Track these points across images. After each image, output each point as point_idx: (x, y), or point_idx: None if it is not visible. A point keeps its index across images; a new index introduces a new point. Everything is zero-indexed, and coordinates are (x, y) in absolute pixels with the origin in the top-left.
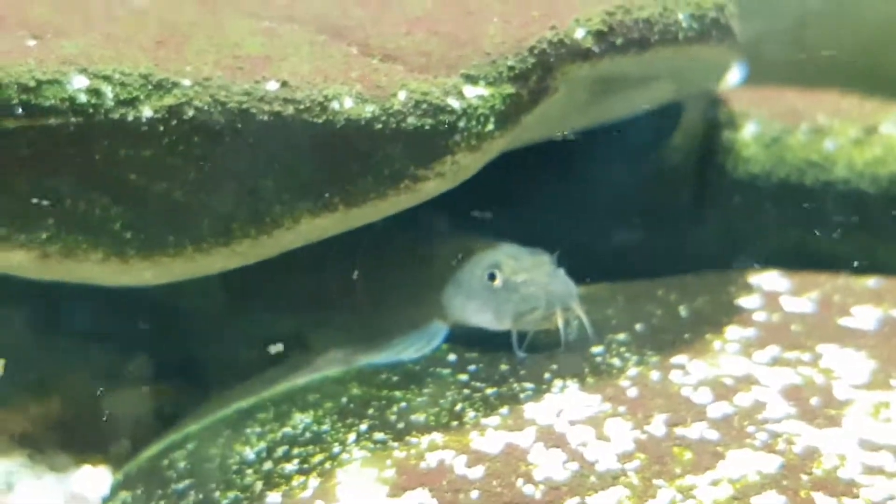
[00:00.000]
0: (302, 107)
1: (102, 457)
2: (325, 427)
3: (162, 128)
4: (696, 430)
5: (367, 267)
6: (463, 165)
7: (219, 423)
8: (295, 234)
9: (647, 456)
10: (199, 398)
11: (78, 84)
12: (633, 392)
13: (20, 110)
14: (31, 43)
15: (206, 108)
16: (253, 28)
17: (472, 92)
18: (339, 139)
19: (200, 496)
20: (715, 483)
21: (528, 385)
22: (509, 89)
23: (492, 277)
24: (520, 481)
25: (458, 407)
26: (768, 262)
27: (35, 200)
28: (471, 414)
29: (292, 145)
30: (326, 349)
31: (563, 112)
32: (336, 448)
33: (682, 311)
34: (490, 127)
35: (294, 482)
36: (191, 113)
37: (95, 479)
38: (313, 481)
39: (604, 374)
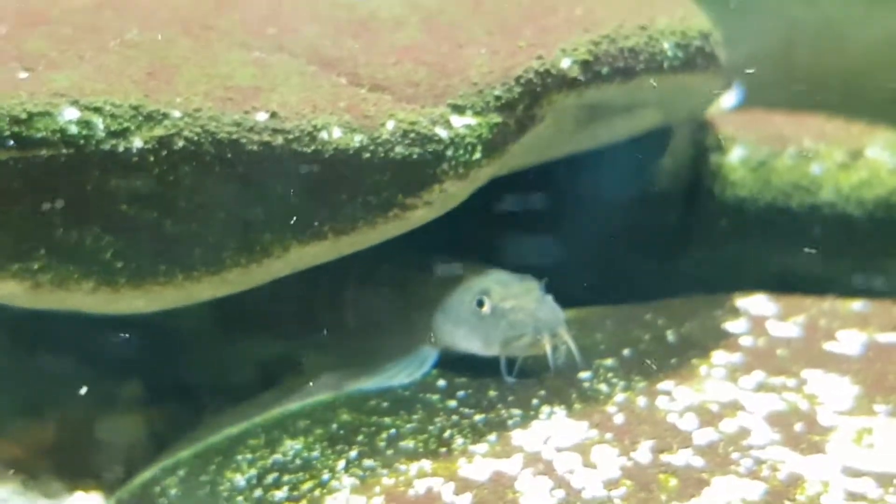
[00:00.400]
0: (291, 137)
1: (95, 483)
2: (315, 454)
3: (152, 158)
4: (681, 457)
5: (359, 292)
6: (451, 193)
7: (210, 450)
8: (284, 263)
9: (634, 483)
10: (192, 422)
11: (69, 116)
12: (619, 418)
13: (11, 142)
14: (23, 75)
15: (195, 138)
16: (243, 59)
17: (460, 121)
18: (327, 168)
19: None
20: None
21: (516, 411)
22: (496, 118)
23: (480, 304)
24: None
25: (447, 434)
26: (756, 285)
27: (27, 231)
28: (459, 441)
29: (282, 175)
30: (318, 374)
31: (550, 139)
32: (325, 475)
33: (670, 335)
34: (477, 155)
35: None
36: (181, 144)
37: None
38: None
39: (591, 401)
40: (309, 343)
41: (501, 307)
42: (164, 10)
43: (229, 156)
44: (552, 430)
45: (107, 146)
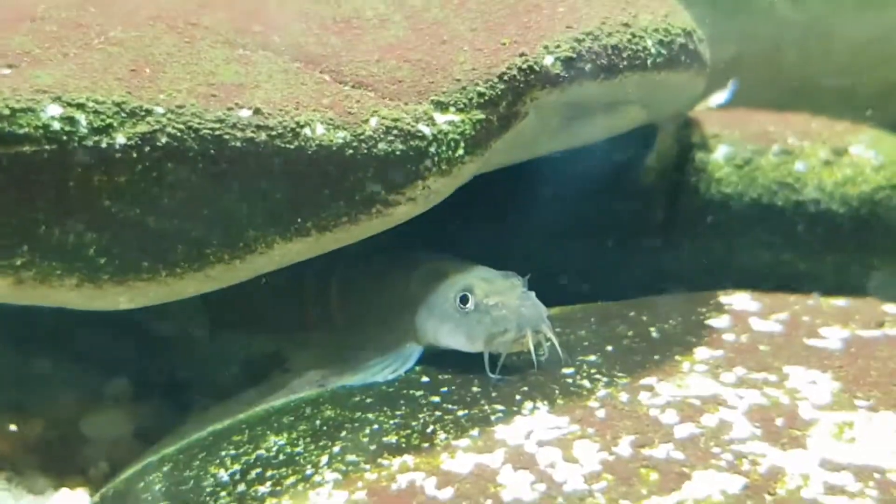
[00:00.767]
0: (274, 133)
1: (81, 479)
2: (298, 449)
3: (135, 155)
4: (662, 451)
5: (343, 288)
6: (434, 190)
7: (194, 445)
8: (268, 259)
9: (614, 477)
10: (178, 418)
11: (52, 112)
12: (601, 413)
13: None
14: (6, 72)
15: (179, 135)
16: (227, 56)
17: (443, 118)
18: (311, 165)
19: None
20: (680, 503)
21: (499, 407)
22: (479, 115)
23: (464, 300)
24: (488, 502)
25: (430, 429)
26: (740, 282)
27: (9, 227)
28: (442, 435)
29: (265, 171)
30: (304, 370)
31: (533, 136)
32: (309, 470)
33: (653, 332)
34: (460, 152)
35: None
36: (164, 140)
37: (74, 501)
38: (286, 503)
39: (573, 396)
40: (294, 339)
41: (485, 304)
42: (148, 7)
43: (212, 152)
44: (534, 424)
45: (90, 142)
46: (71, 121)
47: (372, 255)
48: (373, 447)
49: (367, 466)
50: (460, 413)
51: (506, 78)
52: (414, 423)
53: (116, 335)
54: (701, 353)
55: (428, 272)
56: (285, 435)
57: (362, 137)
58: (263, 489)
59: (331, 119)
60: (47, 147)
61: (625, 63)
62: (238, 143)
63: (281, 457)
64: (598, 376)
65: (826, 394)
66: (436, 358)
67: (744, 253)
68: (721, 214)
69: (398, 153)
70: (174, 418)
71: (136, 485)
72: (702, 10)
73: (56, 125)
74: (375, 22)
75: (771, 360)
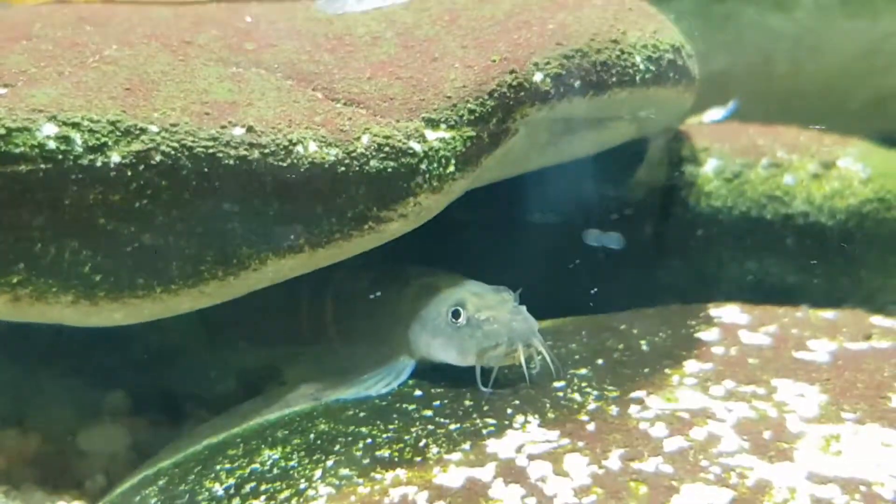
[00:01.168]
0: (267, 151)
1: (78, 492)
2: (292, 463)
3: (130, 173)
4: (651, 465)
5: (337, 303)
6: (425, 206)
7: (190, 459)
8: (261, 275)
9: (604, 490)
10: (175, 432)
11: (47, 131)
12: (591, 427)
13: None
14: (2, 91)
15: (173, 153)
16: (221, 74)
17: (434, 135)
18: (303, 182)
19: None
20: None
21: (491, 420)
22: (470, 132)
23: (456, 315)
24: None
25: (423, 443)
26: (730, 295)
27: (5, 245)
28: (434, 449)
29: (258, 189)
30: (298, 384)
31: (524, 152)
32: (302, 484)
33: (643, 345)
34: (451, 169)
35: None
36: (158, 158)
37: None
38: None
39: (564, 410)
40: (289, 353)
41: (477, 318)
42: (143, 26)
43: (206, 170)
44: (526, 438)
45: (85, 161)
46: (66, 140)
47: (365, 269)
48: (366, 461)
49: (360, 480)
50: (452, 427)
51: (496, 95)
52: (407, 437)
53: (113, 349)
54: (690, 366)
55: (420, 287)
56: (280, 449)
57: (354, 155)
58: (258, 503)
59: (323, 137)
60: (43, 166)
61: (613, 79)
62: (231, 161)
63: (275, 471)
64: (588, 390)
65: (814, 406)
66: (429, 372)
67: (733, 265)
68: (711, 228)
69: (389, 170)
70: (170, 432)
71: (132, 498)
72: (692, 23)
73: (52, 144)
74: (367, 39)
75: (759, 373)
